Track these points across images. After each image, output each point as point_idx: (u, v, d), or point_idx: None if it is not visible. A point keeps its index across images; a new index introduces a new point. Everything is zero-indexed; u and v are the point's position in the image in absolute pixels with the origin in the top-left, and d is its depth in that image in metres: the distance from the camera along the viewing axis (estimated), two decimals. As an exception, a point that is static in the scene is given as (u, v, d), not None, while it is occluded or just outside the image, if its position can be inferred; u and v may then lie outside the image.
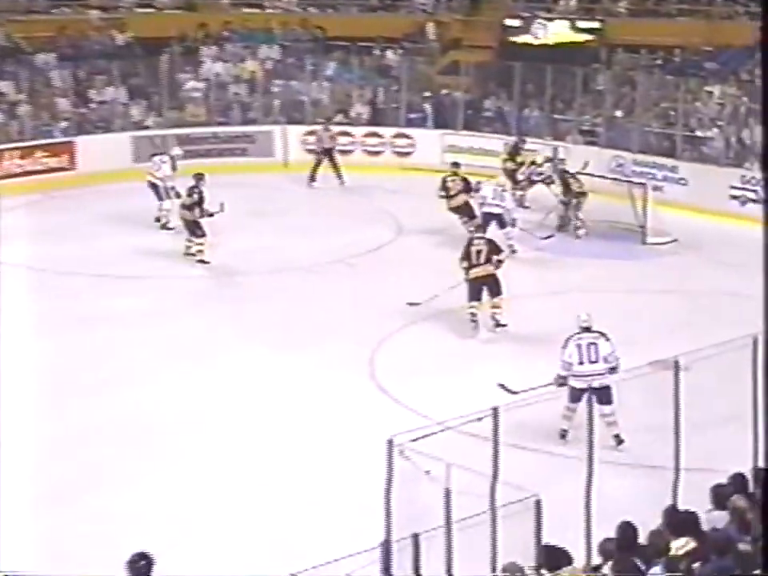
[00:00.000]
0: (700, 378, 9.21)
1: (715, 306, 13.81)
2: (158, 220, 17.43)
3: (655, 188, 18.31)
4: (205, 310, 13.76)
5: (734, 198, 18.42)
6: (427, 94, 23.18)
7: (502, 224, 16.02)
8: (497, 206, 16.00)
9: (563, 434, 10.36)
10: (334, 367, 11.84)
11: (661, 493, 7.62)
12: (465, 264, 13.22)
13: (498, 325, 13.21)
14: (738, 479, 7.02)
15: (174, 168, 17.86)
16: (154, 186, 17.57)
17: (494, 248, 13.41)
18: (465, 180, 16.96)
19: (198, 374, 11.68)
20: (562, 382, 10.34)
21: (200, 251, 15.58)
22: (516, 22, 24.04)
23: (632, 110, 20.85)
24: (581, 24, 23.48)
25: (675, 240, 16.93)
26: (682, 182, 19.16)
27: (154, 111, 22.00)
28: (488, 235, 14.13)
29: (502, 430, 6.76)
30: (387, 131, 22.46)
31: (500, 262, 13.25)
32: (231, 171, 21.45)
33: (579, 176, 17.54)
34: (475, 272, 13.19)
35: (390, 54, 24.41)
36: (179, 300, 14.09)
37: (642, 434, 9.84)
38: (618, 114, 21.15)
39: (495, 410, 6.75)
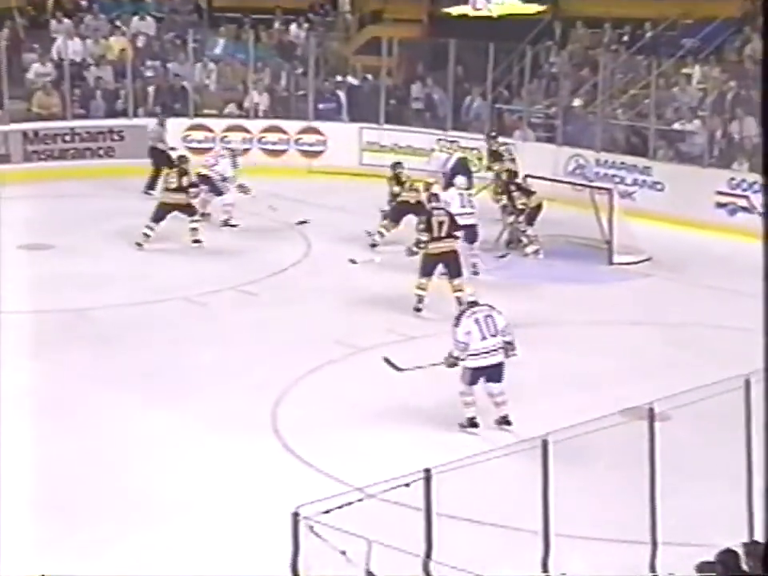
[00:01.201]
0: (681, 429, 9.39)
1: (698, 341, 14.02)
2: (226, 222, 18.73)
3: (624, 194, 18.61)
4: (56, 352, 13.57)
5: (721, 205, 18.78)
6: (341, 78, 23.33)
7: (473, 237, 16.31)
8: (468, 215, 16.17)
9: (473, 422, 11.33)
10: (226, 421, 11.75)
11: (635, 571, 7.69)
12: (426, 236, 14.68)
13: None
14: (728, 556, 7.11)
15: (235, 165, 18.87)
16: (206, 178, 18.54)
17: (453, 222, 14.88)
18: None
19: (51, 433, 11.51)
20: (453, 361, 11.39)
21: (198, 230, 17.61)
22: (450, -10, 24.33)
23: (594, 98, 21.18)
24: (530, -8, 23.84)
25: (649, 259, 17.17)
26: (657, 186, 19.50)
27: (-9, 101, 21.83)
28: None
29: (435, 497, 6.79)
30: (291, 125, 22.58)
31: (457, 237, 14.90)
32: (93, 176, 21.40)
33: (531, 181, 17.71)
34: (436, 246, 14.70)
35: (293, 28, 24.56)
36: (16, 344, 13.85)
37: (611, 500, 9.93)
38: (577, 103, 21.48)
39: (428, 472, 6.78)
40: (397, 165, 18.10)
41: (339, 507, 6.54)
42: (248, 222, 18.85)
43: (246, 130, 22.41)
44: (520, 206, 17.34)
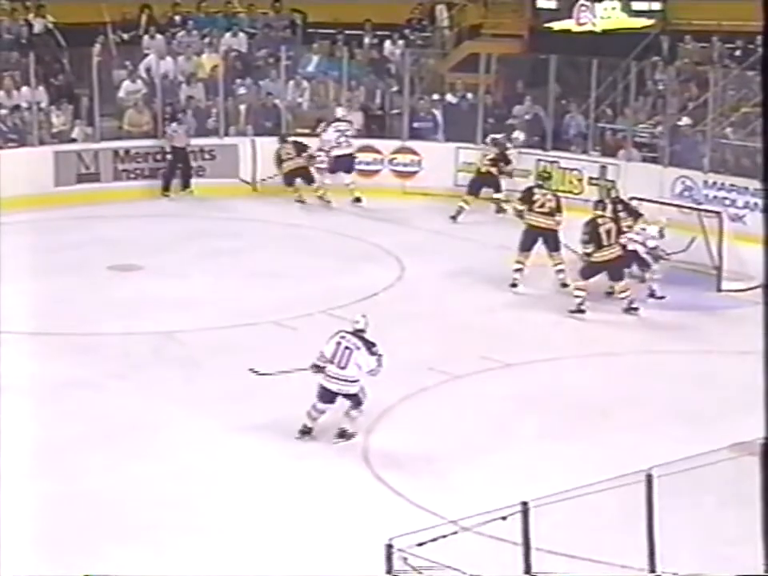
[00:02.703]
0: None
1: (813, 371, 13.81)
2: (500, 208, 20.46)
3: (734, 218, 18.42)
4: (144, 374, 13.75)
5: (837, 230, 18.48)
6: (437, 96, 23.36)
7: (642, 261, 16.52)
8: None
9: (305, 430, 11.95)
10: (316, 449, 11.82)
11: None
12: (591, 248, 15.65)
13: (633, 309, 15.74)
14: None
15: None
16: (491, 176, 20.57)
17: (620, 229, 15.89)
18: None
19: (135, 454, 11.64)
20: (317, 370, 11.97)
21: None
22: (552, 4, 24.33)
23: (703, 116, 20.98)
24: (637, 5, 23.71)
25: (759, 286, 16.95)
26: (769, 209, 19.26)
27: (82, 119, 22.13)
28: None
29: (534, 532, 6.75)
30: (386, 145, 22.65)
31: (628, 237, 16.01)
32: (183, 196, 21.64)
33: (636, 204, 17.49)
34: (603, 255, 15.73)
35: (388, 45, 24.64)
36: (106, 365, 14.04)
37: (720, 538, 9.79)
38: (684, 121, 21.29)
39: (525, 505, 6.75)
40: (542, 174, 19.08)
41: (434, 540, 6.53)
42: (340, 244, 18.97)
43: (339, 149, 22.50)
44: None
